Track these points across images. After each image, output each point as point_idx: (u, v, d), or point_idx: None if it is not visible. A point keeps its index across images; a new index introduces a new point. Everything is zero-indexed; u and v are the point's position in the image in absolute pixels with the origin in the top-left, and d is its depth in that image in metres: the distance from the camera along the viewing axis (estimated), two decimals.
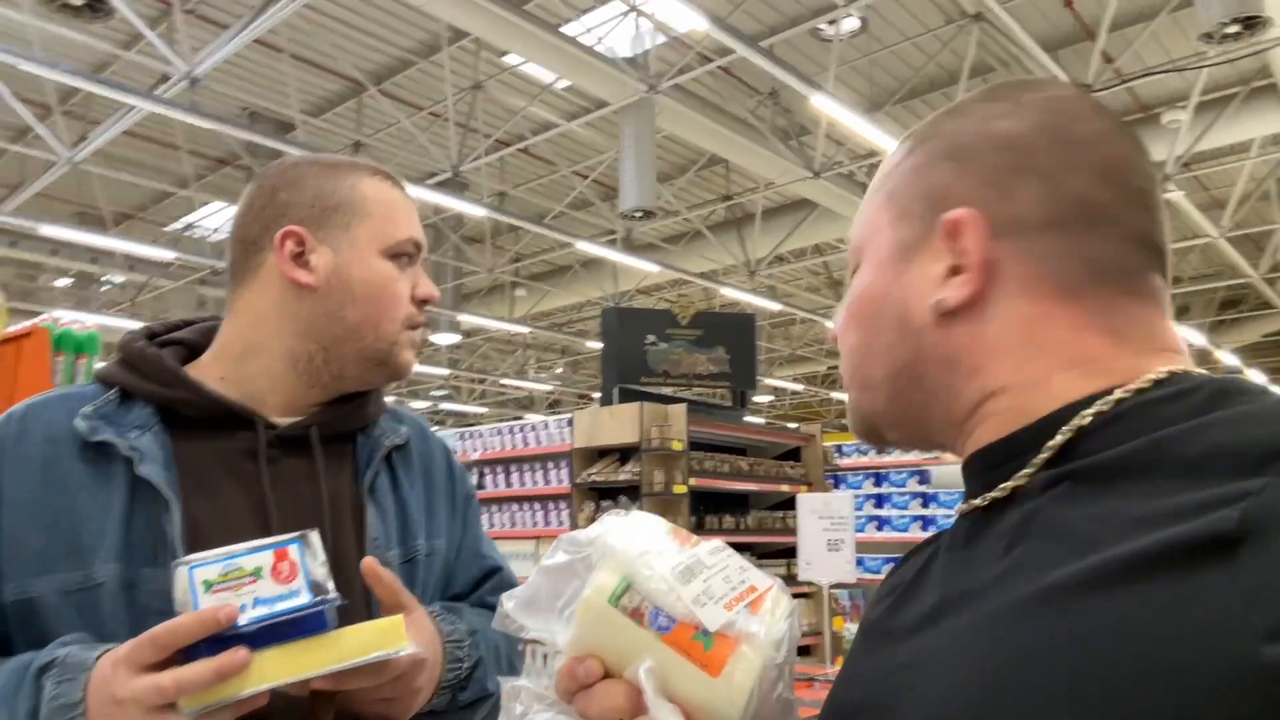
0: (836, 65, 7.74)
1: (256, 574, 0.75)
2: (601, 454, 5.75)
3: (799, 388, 19.93)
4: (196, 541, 0.90)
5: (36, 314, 2.73)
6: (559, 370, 20.62)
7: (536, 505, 5.92)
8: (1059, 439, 0.54)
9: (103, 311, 13.89)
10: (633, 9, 7.71)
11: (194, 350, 1.07)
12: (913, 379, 0.63)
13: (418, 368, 16.50)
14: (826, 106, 7.14)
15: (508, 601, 0.62)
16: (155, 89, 7.42)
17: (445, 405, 21.01)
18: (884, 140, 7.31)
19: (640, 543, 0.60)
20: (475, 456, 6.22)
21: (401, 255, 1.08)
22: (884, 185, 0.68)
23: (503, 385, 19.79)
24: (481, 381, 19.83)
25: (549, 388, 20.02)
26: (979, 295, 0.59)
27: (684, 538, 0.63)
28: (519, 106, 9.34)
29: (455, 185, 9.53)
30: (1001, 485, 0.57)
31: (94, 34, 7.76)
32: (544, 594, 0.61)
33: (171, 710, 0.72)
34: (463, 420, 21.22)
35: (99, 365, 2.68)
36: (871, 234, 0.68)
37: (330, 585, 0.78)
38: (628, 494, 5.54)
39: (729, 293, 12.17)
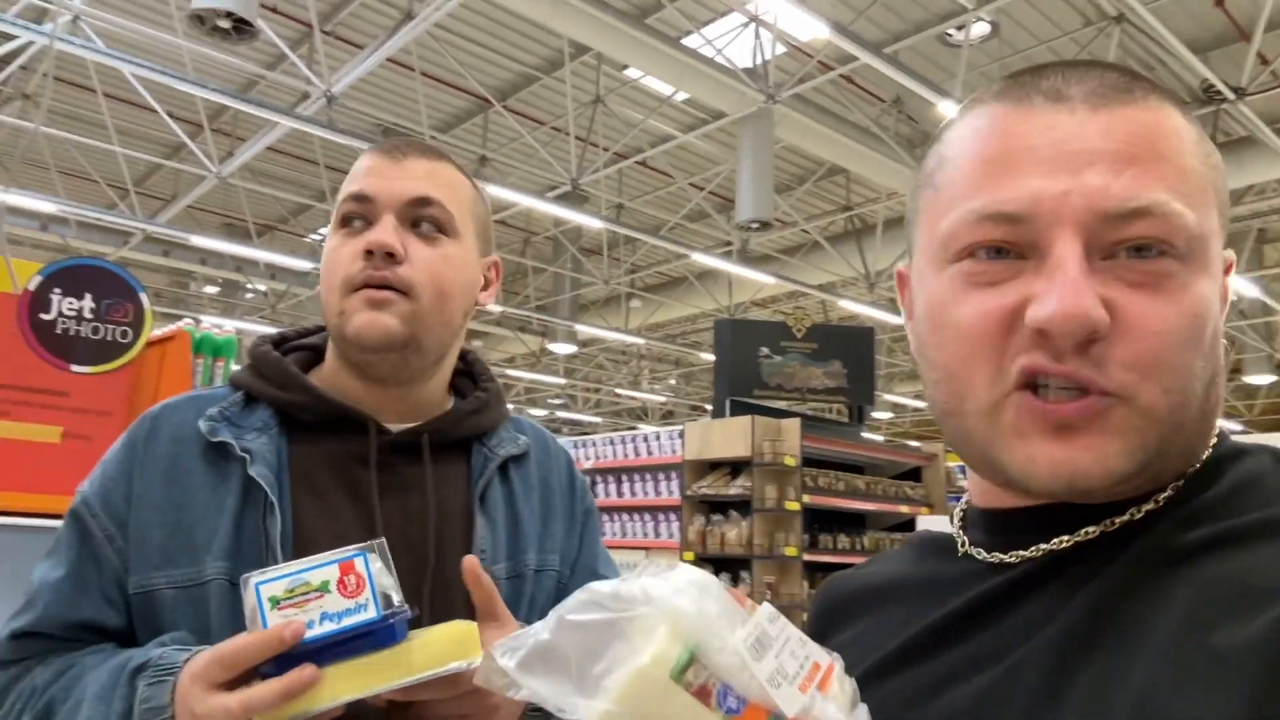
0: (965, 71, 7.48)
1: (323, 588, 0.73)
2: (713, 466, 5.69)
3: (921, 404, 19.32)
4: (300, 545, 0.91)
5: (183, 319, 2.89)
6: (672, 381, 20.64)
7: (647, 516, 5.92)
8: (1159, 496, 0.55)
9: (245, 318, 14.76)
10: (753, 20, 7.66)
11: (322, 355, 1.08)
12: (1210, 426, 0.56)
13: (534, 375, 16.68)
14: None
15: (504, 655, 0.54)
16: (296, 107, 7.83)
17: (561, 414, 21.34)
18: None
19: (707, 606, 0.51)
20: (588, 465, 6.28)
21: (350, 219, 1.00)
22: (1207, 177, 0.55)
23: (617, 395, 19.96)
24: (596, 391, 20.06)
25: (662, 399, 20.07)
26: None
27: (742, 600, 0.55)
28: (638, 120, 9.42)
29: (574, 198, 9.69)
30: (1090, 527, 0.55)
31: (241, 55, 8.25)
32: (565, 654, 0.52)
33: None
34: (577, 429, 21.50)
35: (234, 369, 2.83)
36: (1211, 235, 0.54)
37: (397, 597, 0.76)
38: (738, 509, 5.47)
39: (847, 305, 11.91)
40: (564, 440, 7.11)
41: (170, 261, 12.37)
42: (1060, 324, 0.50)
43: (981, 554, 0.61)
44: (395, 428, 1.03)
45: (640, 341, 15.10)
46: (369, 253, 0.96)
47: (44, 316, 2.46)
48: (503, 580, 1.01)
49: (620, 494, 6.07)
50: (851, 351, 6.06)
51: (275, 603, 0.73)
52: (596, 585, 0.53)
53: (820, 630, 0.71)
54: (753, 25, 7.71)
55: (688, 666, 0.49)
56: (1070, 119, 0.54)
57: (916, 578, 0.66)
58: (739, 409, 5.71)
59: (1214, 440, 0.57)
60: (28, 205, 9.65)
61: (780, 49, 7.89)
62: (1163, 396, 0.52)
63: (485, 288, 1.10)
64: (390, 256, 0.96)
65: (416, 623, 0.79)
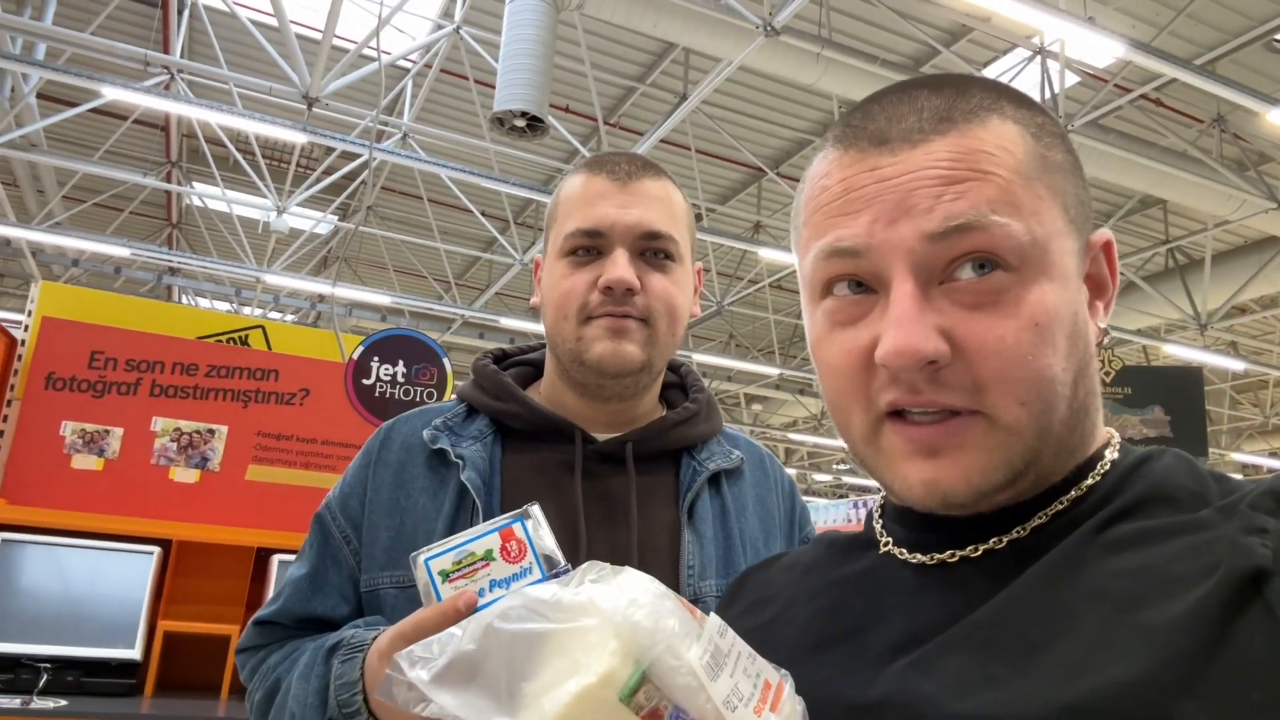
0: None
1: (488, 557, 0.73)
2: None
3: (1277, 464, 16.47)
4: None
5: None
6: None
7: None
8: (1073, 494, 0.57)
9: None
10: (1039, 51, 7.19)
11: (540, 370, 1.13)
12: (1083, 417, 0.58)
13: (815, 439, 16.36)
14: None
15: (415, 667, 0.47)
16: None
17: (847, 479, 20.71)
18: None
19: (660, 618, 0.44)
20: None
21: (575, 250, 1.02)
22: (1042, 179, 0.57)
23: None
24: None
25: None
26: None
27: (690, 609, 0.48)
28: None
29: None
30: (1019, 527, 0.57)
31: (539, 153, 9.11)
32: (490, 667, 0.45)
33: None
34: (864, 494, 20.71)
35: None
36: (1048, 238, 0.56)
37: (559, 556, 0.75)
38: None
39: (1174, 351, 10.54)
40: (844, 502, 6.86)
41: (485, 343, 13.74)
42: (895, 360, 0.53)
43: (903, 553, 0.62)
44: (603, 437, 1.04)
45: None
46: (608, 288, 0.99)
47: (365, 381, 2.82)
48: (710, 600, 0.97)
49: None
50: (1175, 396, 5.32)
51: (445, 576, 0.73)
52: (533, 590, 0.47)
53: (730, 613, 0.72)
54: (1039, 58, 7.24)
55: (639, 688, 0.43)
56: (892, 160, 0.57)
57: (841, 572, 0.67)
58: None
59: (1110, 439, 0.60)
60: (370, 300, 11.21)
61: (1072, 78, 7.32)
62: (1020, 410, 0.53)
63: (693, 294, 1.11)
64: (629, 292, 0.99)
65: None
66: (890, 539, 0.65)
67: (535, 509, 0.78)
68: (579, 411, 1.05)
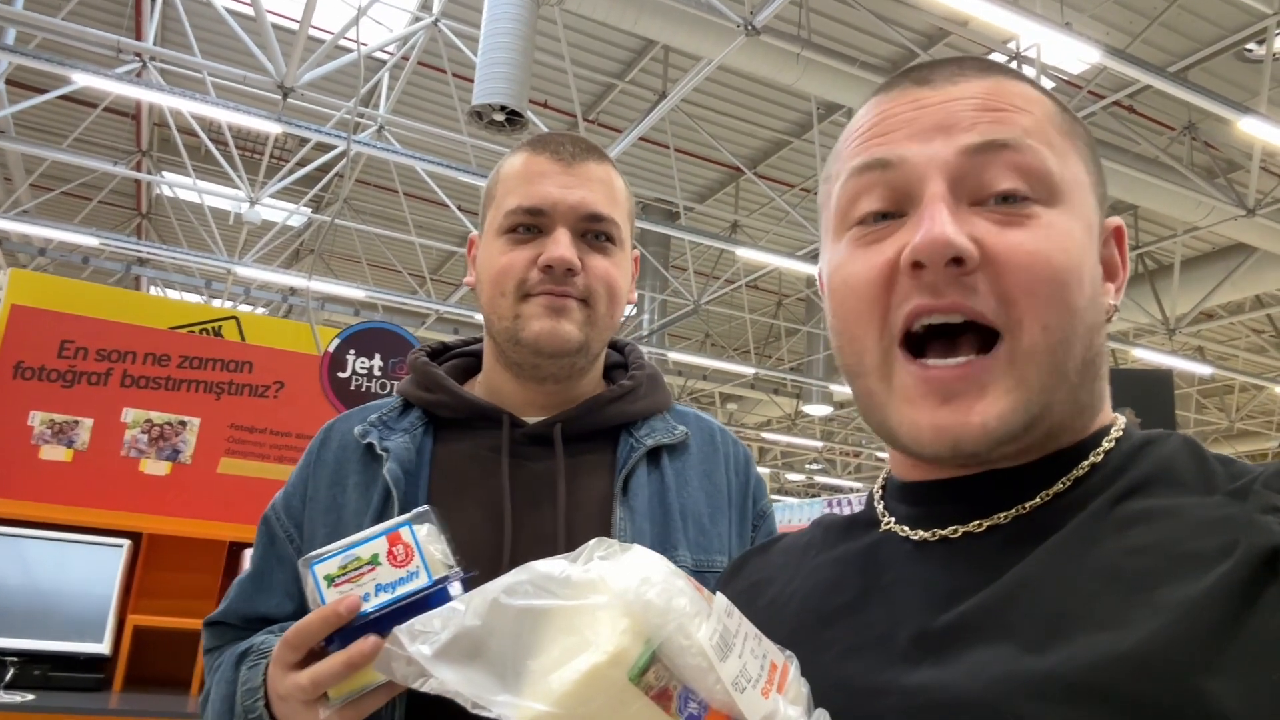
0: (1271, 88, 6.60)
1: (374, 561, 0.73)
2: None
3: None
4: None
5: None
6: None
7: None
8: (1077, 471, 0.56)
9: None
10: (1015, 57, 7.27)
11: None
12: (1094, 376, 0.57)
13: (789, 439, 16.43)
14: (1264, 133, 6.08)
15: (416, 641, 0.47)
16: None
17: (820, 478, 20.84)
18: None
19: (671, 597, 0.44)
20: None
21: (515, 228, 1.01)
22: (1071, 138, 0.59)
23: (879, 459, 19.16)
24: (856, 455, 19.41)
25: None
26: None
27: (698, 588, 0.47)
28: None
29: None
30: (1023, 502, 0.56)
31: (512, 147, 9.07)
32: (495, 643, 0.45)
33: (323, 700, 0.73)
34: (837, 494, 20.84)
35: None
36: (1076, 183, 0.57)
37: (451, 559, 0.75)
38: None
39: (1142, 355, 10.70)
40: (818, 501, 6.89)
41: (460, 338, 13.67)
42: (926, 250, 0.53)
43: (905, 530, 0.61)
44: (532, 421, 1.04)
45: None
46: (548, 267, 0.98)
47: (341, 375, 2.79)
48: None
49: None
50: (1145, 399, 5.39)
51: (331, 580, 0.74)
52: (540, 565, 0.46)
53: (728, 595, 0.69)
54: (1015, 63, 7.32)
55: (648, 667, 0.43)
56: (932, 93, 0.58)
57: (840, 552, 0.66)
58: None
59: (1115, 420, 0.60)
60: (343, 293, 11.10)
61: (1047, 84, 7.41)
62: (1041, 335, 0.53)
63: (630, 279, 1.10)
64: (570, 271, 0.99)
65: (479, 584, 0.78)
66: (892, 517, 0.64)
67: (428, 511, 0.77)
68: (516, 397, 1.05)
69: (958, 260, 0.53)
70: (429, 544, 0.75)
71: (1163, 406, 5.34)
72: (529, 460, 1.02)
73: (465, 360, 1.15)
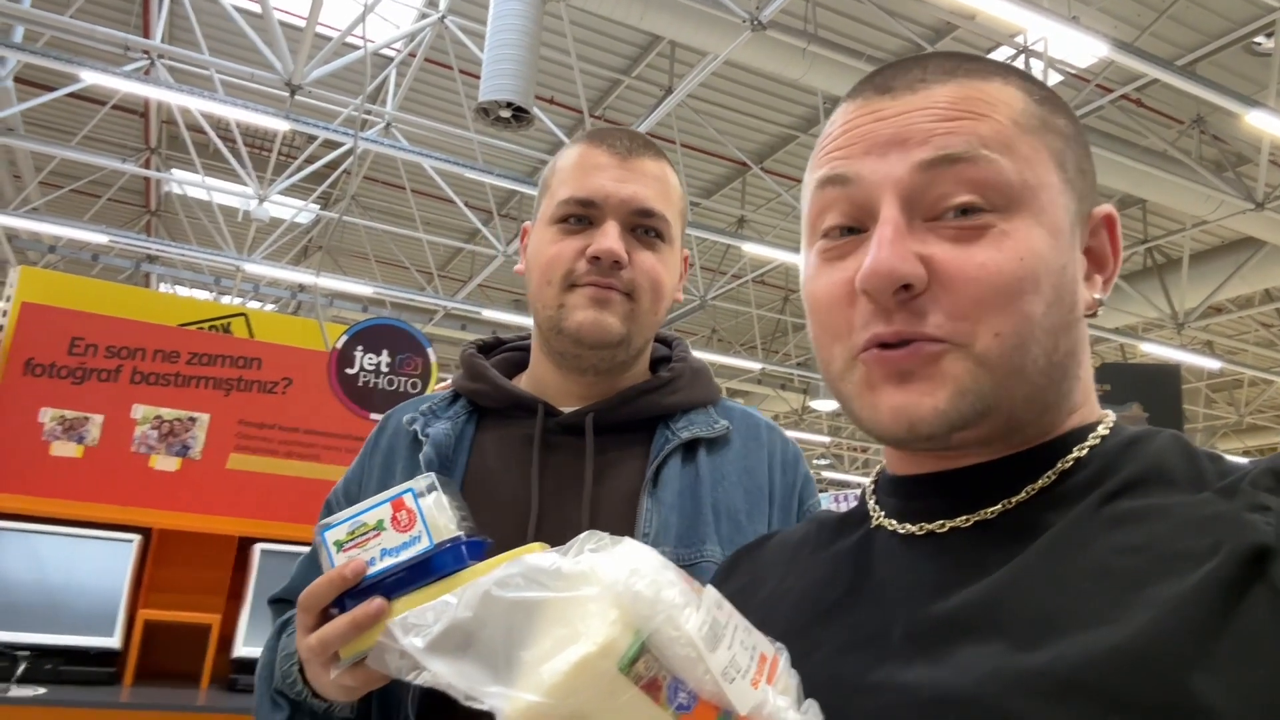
0: (1279, 81, 6.57)
1: (379, 527, 0.75)
2: None
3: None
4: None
5: None
6: None
7: None
8: (1061, 465, 0.56)
9: None
10: (1022, 51, 7.24)
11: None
12: (1062, 376, 0.58)
13: (796, 434, 16.44)
14: (1272, 127, 6.05)
15: (409, 634, 0.48)
16: None
17: (827, 474, 20.84)
18: None
19: (660, 588, 0.44)
20: None
21: (567, 218, 1.02)
22: (1040, 135, 0.58)
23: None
24: (864, 450, 19.38)
25: None
26: None
27: (688, 580, 0.48)
28: None
29: None
30: (1006, 499, 0.57)
31: (524, 144, 9.08)
32: (487, 635, 0.45)
33: (336, 660, 0.75)
34: (844, 489, 20.81)
35: None
36: (1040, 185, 0.56)
37: (452, 525, 0.76)
38: None
39: (1151, 349, 10.66)
40: (825, 496, 6.90)
41: (467, 334, 13.70)
42: (871, 281, 0.54)
43: (894, 525, 0.62)
44: (569, 410, 1.05)
45: None
46: (595, 258, 0.99)
47: (348, 371, 2.81)
48: None
49: None
50: (1153, 393, 5.37)
51: (340, 546, 0.75)
52: (532, 559, 0.47)
53: (722, 591, 0.70)
54: (1022, 56, 7.29)
55: (638, 658, 0.43)
56: (891, 103, 0.58)
57: (832, 548, 0.66)
58: None
59: (1103, 417, 0.60)
60: (351, 290, 11.13)
61: (1055, 77, 7.38)
62: (994, 340, 0.53)
63: (679, 278, 1.11)
64: (616, 264, 1.00)
65: (495, 552, 0.79)
66: (883, 511, 0.64)
67: (433, 478, 0.79)
68: (558, 387, 1.06)
69: (906, 285, 0.54)
70: (434, 510, 0.76)
71: (1171, 401, 5.33)
72: (561, 450, 1.03)
73: (517, 354, 1.17)
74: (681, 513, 1.00)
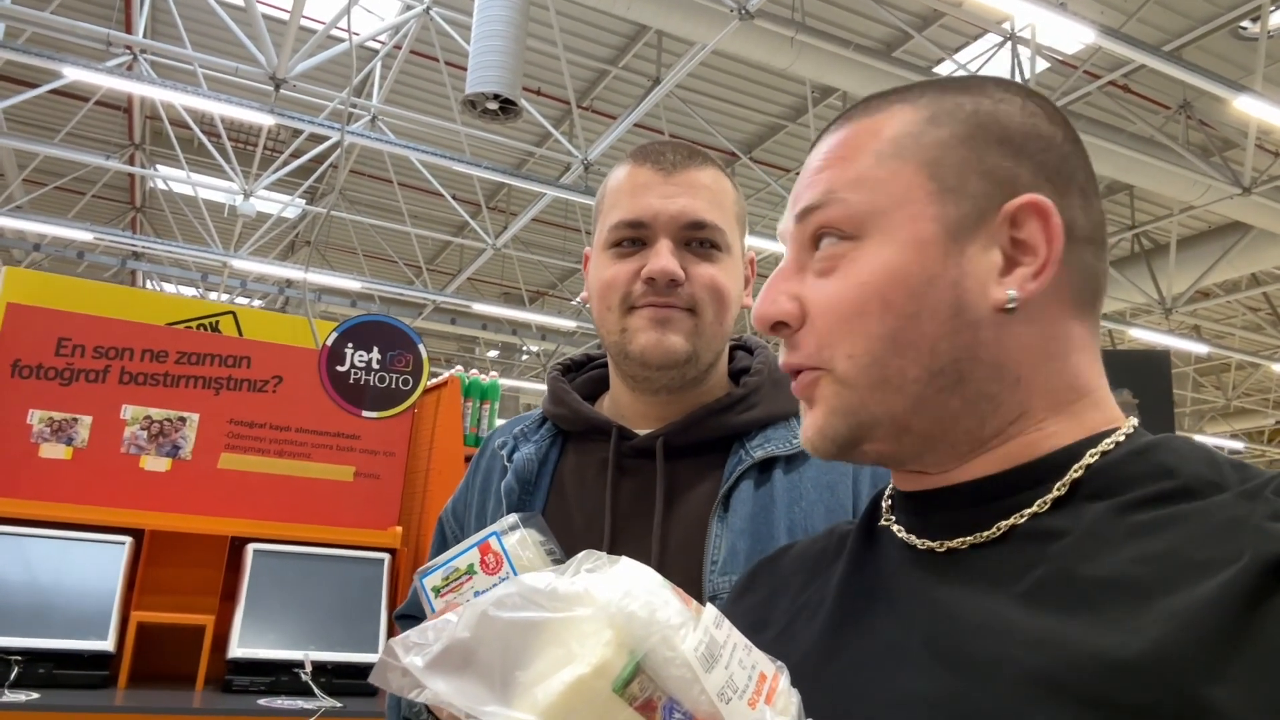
0: (1266, 64, 6.58)
1: (470, 571, 0.78)
2: None
3: (1239, 445, 16.84)
4: None
5: None
6: None
7: None
8: (1072, 475, 0.56)
9: (521, 377, 15.90)
10: (1010, 38, 7.24)
11: None
12: (956, 381, 0.57)
13: None
14: (1259, 111, 6.07)
15: (410, 653, 0.48)
16: (560, 179, 8.43)
17: None
18: None
19: (655, 609, 0.44)
20: None
21: (620, 241, 1.01)
22: (910, 153, 0.59)
23: None
24: None
25: None
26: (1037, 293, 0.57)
27: (687, 600, 0.48)
28: None
29: None
30: (1016, 514, 0.56)
31: (511, 135, 9.03)
32: (484, 655, 0.45)
33: None
34: None
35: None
36: (894, 206, 0.59)
37: (537, 561, 0.78)
38: None
39: (1139, 335, 10.72)
40: None
41: (457, 329, 13.66)
42: (754, 323, 0.64)
43: (911, 539, 0.62)
44: (643, 433, 1.04)
45: None
46: (651, 279, 0.98)
47: (339, 368, 2.79)
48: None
49: None
50: (1143, 379, 5.39)
51: (437, 592, 0.79)
52: (529, 579, 0.47)
53: (741, 606, 0.74)
54: (1009, 44, 7.29)
55: (632, 678, 0.43)
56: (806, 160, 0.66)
57: (849, 561, 0.67)
58: None
59: (1116, 424, 0.60)
60: (340, 285, 11.08)
61: (1042, 64, 7.38)
62: (849, 362, 0.58)
63: (744, 284, 1.09)
64: (673, 282, 0.98)
65: None
66: (896, 524, 0.65)
67: (515, 518, 0.81)
68: (633, 409, 1.05)
69: (785, 324, 0.62)
70: (518, 550, 0.79)
71: (1161, 387, 5.35)
72: (636, 474, 1.02)
73: (602, 371, 1.16)
74: (754, 537, 0.96)
